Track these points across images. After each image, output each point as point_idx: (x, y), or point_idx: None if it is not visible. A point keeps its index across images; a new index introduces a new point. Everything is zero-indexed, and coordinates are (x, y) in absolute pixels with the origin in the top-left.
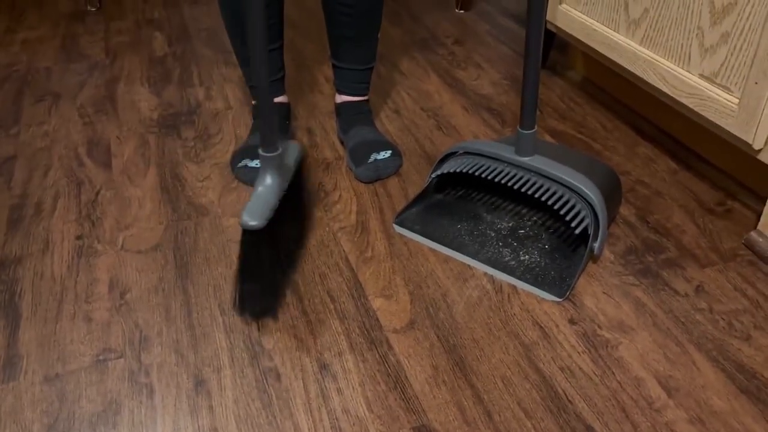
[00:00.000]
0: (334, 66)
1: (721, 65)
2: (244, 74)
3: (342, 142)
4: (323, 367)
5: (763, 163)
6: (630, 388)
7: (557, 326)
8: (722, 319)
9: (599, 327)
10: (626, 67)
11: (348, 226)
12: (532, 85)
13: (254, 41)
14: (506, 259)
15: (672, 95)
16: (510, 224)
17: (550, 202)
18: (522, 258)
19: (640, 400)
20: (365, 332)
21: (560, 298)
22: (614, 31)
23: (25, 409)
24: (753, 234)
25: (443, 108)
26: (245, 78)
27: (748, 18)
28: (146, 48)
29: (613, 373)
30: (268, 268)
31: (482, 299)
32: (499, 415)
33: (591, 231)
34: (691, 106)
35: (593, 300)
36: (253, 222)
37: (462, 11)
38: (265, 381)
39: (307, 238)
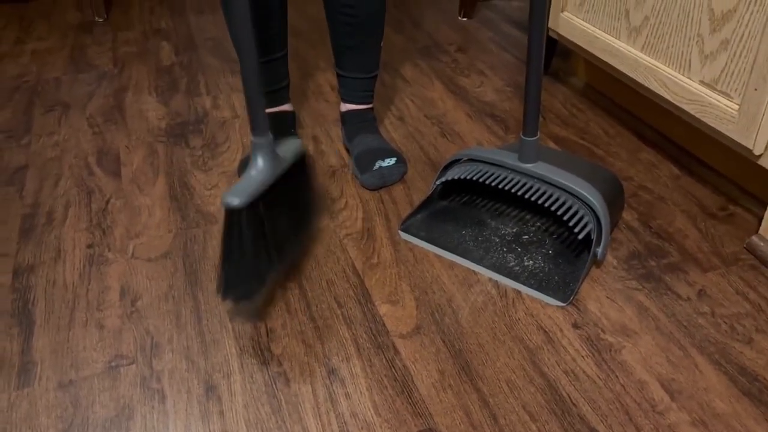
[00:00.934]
0: (338, 75)
1: (721, 72)
2: None
3: (347, 150)
4: (331, 372)
5: (763, 168)
6: (633, 391)
7: (561, 330)
8: (724, 322)
9: (603, 331)
10: (628, 73)
11: (354, 232)
12: (534, 93)
13: (236, 19)
14: (510, 264)
15: (673, 101)
16: (514, 230)
17: (553, 208)
18: (526, 263)
19: (643, 403)
20: (372, 337)
21: (564, 302)
22: (615, 38)
23: (40, 415)
24: (754, 238)
25: (447, 115)
26: None
27: (747, 25)
28: (153, 58)
29: (617, 377)
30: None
31: (487, 304)
32: (505, 419)
33: (594, 236)
34: (692, 112)
35: (597, 304)
36: (234, 201)
37: (465, 19)
38: (274, 386)
39: (313, 245)
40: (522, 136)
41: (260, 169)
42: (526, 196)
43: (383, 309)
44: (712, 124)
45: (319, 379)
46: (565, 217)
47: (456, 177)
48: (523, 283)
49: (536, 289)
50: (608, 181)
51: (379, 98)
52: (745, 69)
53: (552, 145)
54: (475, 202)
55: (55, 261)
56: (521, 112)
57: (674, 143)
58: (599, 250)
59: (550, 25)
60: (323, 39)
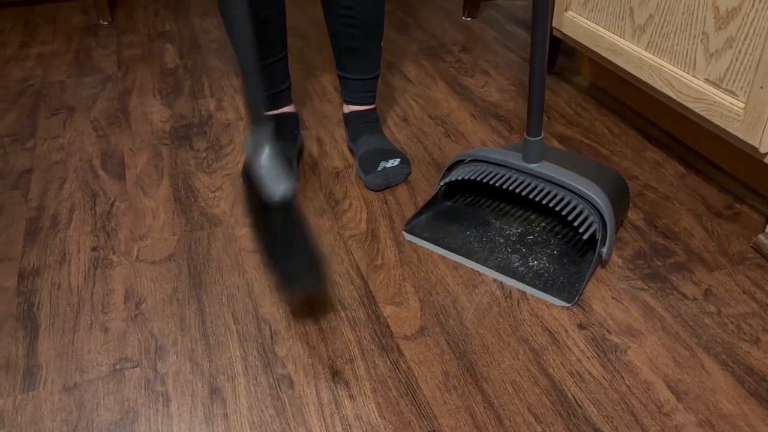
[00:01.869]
0: (340, 77)
1: (727, 70)
2: None
3: (351, 151)
4: (335, 374)
5: None
6: (639, 392)
7: (566, 331)
8: (731, 322)
9: (608, 331)
10: (632, 72)
11: (358, 234)
12: (538, 92)
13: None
14: (515, 265)
15: (678, 100)
16: (519, 230)
17: (557, 208)
18: (531, 264)
19: (649, 403)
20: (376, 339)
21: (569, 303)
22: (620, 37)
23: (44, 418)
24: (761, 237)
25: (451, 115)
26: None
27: (752, 23)
28: (158, 60)
29: (623, 378)
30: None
31: (492, 305)
32: (510, 420)
33: (599, 236)
34: (697, 110)
35: (602, 305)
36: (288, 187)
37: (469, 18)
38: (278, 388)
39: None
40: (526, 136)
41: (276, 151)
42: (531, 197)
43: (387, 310)
44: (717, 123)
45: (324, 381)
46: (570, 218)
47: (460, 178)
48: (528, 284)
49: (541, 290)
50: (613, 180)
51: (383, 99)
52: (750, 67)
53: (557, 144)
54: (479, 202)
55: (59, 264)
56: (525, 112)
57: (679, 142)
58: (604, 250)
59: (554, 24)
60: (327, 41)
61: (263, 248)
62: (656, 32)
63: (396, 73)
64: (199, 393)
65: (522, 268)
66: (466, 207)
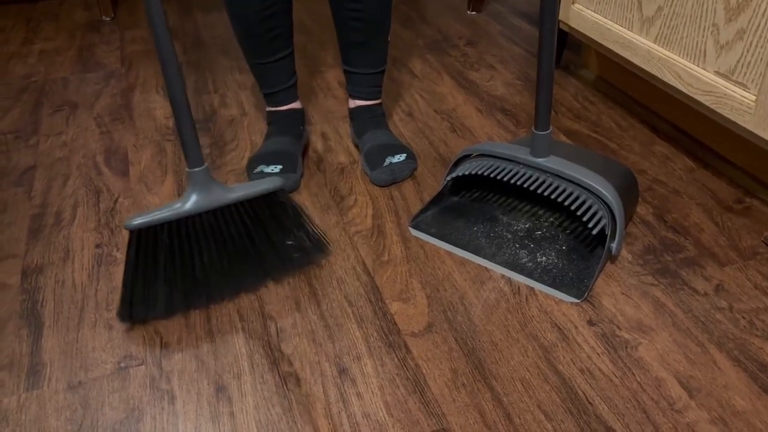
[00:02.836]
0: (345, 71)
1: (737, 62)
2: (256, 80)
3: (357, 147)
4: (342, 371)
5: None
6: (650, 388)
7: (576, 327)
8: (743, 317)
9: (618, 328)
10: (641, 65)
11: (364, 230)
12: (546, 86)
13: (161, 50)
14: (523, 260)
15: (688, 93)
16: (527, 226)
17: (566, 203)
18: (539, 259)
19: (660, 400)
20: (383, 336)
21: (579, 299)
22: (628, 29)
23: (49, 417)
24: None
25: (457, 110)
26: (258, 85)
27: (763, 14)
28: None
29: (633, 374)
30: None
31: (500, 301)
32: (519, 418)
33: (608, 231)
34: (707, 103)
35: (612, 300)
36: (131, 222)
37: (474, 12)
38: (284, 386)
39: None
40: (534, 130)
41: (190, 200)
42: (539, 191)
43: (394, 307)
44: (727, 116)
45: (330, 378)
46: (579, 212)
47: (467, 173)
48: (537, 280)
49: (550, 286)
50: (622, 174)
51: (388, 94)
52: (761, 59)
53: (564, 138)
54: (486, 197)
55: (63, 261)
56: (532, 106)
57: (689, 135)
58: (614, 245)
59: (561, 17)
60: (331, 36)
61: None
62: (665, 24)
63: (401, 68)
64: (204, 391)
65: (530, 264)
66: (473, 202)
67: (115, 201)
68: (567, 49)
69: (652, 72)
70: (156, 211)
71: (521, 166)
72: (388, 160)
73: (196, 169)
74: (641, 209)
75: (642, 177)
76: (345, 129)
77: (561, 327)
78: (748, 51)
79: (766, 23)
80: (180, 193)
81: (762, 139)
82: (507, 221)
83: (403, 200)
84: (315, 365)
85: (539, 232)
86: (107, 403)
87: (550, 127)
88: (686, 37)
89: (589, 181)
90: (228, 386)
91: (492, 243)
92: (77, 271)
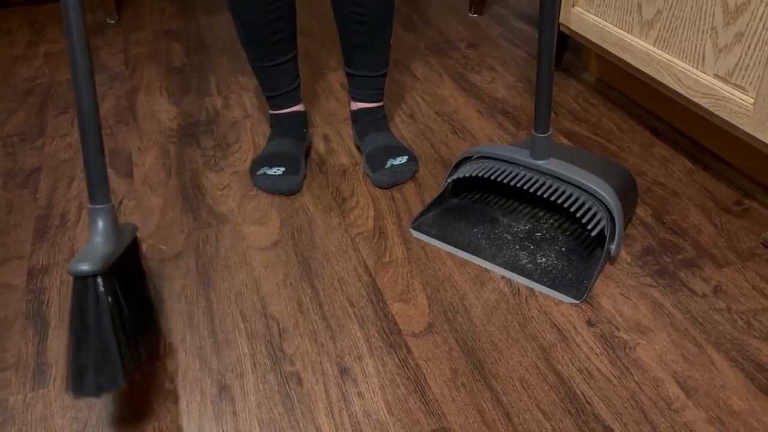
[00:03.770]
0: (348, 74)
1: (736, 65)
2: (259, 83)
3: (358, 149)
4: (344, 371)
5: None
6: (648, 388)
7: (575, 328)
8: (741, 318)
9: (617, 328)
10: (640, 68)
11: (365, 231)
12: (545, 88)
13: (77, 80)
14: (523, 262)
15: (687, 96)
16: (526, 227)
17: (566, 205)
18: (539, 261)
19: (658, 400)
20: (384, 336)
21: (578, 300)
22: (627, 32)
23: (55, 416)
24: None
25: (458, 112)
26: (261, 88)
27: (761, 17)
28: (165, 59)
29: (632, 374)
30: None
31: (500, 302)
32: (519, 417)
33: (607, 233)
34: (706, 106)
35: (610, 301)
36: (83, 266)
37: (475, 15)
38: (287, 386)
39: (325, 244)
40: (534, 133)
41: (106, 234)
42: (539, 193)
43: (395, 308)
44: (726, 118)
45: (332, 378)
46: (578, 214)
47: (468, 174)
48: (537, 281)
49: (550, 287)
50: (621, 176)
51: (390, 96)
52: (759, 62)
53: (564, 140)
54: (487, 199)
55: (68, 262)
56: (533, 108)
57: (688, 137)
58: (613, 246)
59: (561, 20)
60: (334, 38)
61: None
62: (664, 27)
63: (403, 70)
64: (207, 391)
65: (530, 265)
66: (473, 204)
67: (120, 202)
68: (567, 52)
69: (652, 75)
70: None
71: (521, 168)
72: (389, 162)
73: (101, 206)
74: (640, 211)
75: (641, 179)
76: (347, 131)
77: (560, 327)
78: (746, 54)
79: (764, 26)
80: (183, 194)
81: (760, 141)
82: (507, 223)
83: (404, 202)
84: (317, 365)
85: (539, 234)
86: (112, 403)
87: (550, 130)
88: (685, 40)
89: (588, 183)
90: (231, 386)
91: (492, 244)
92: None
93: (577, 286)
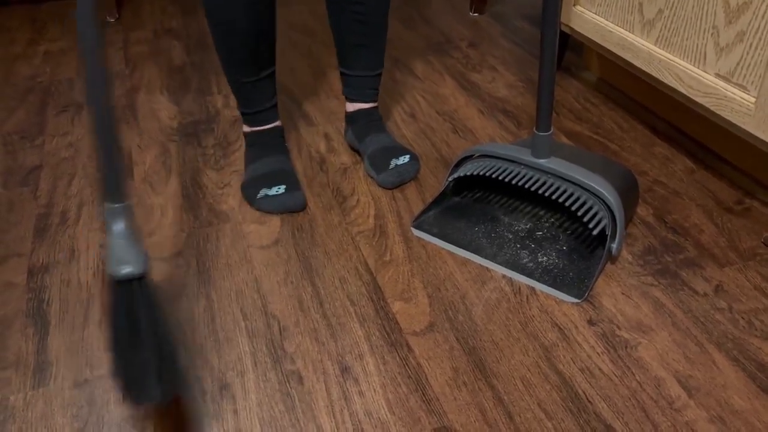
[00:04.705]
0: (344, 75)
1: (737, 64)
2: (239, 100)
3: (354, 150)
4: (345, 370)
5: None
6: (650, 388)
7: (576, 327)
8: (742, 318)
9: (618, 327)
10: (642, 67)
11: (366, 230)
12: (547, 87)
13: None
14: (524, 260)
15: (688, 95)
16: (527, 226)
17: (567, 204)
18: (540, 260)
19: (660, 400)
20: (385, 335)
21: (579, 299)
22: (629, 31)
23: (55, 414)
24: None
25: (459, 111)
26: (242, 105)
27: (763, 16)
28: (165, 57)
29: (633, 374)
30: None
31: (501, 301)
32: (520, 416)
33: (609, 232)
34: (707, 105)
35: (612, 300)
36: (129, 269)
37: (476, 14)
38: (287, 384)
39: (326, 242)
40: (535, 131)
41: (130, 233)
42: (540, 192)
43: (396, 306)
44: (728, 118)
45: (333, 377)
46: (579, 213)
47: (468, 173)
48: (538, 280)
49: (550, 286)
50: (622, 176)
51: (391, 95)
52: (761, 61)
53: (565, 140)
54: (488, 198)
55: (69, 261)
56: (534, 108)
57: (689, 137)
58: (614, 245)
59: (563, 19)
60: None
61: (110, 340)
62: (666, 27)
63: (403, 69)
64: (208, 389)
65: (531, 264)
66: (474, 203)
67: None
68: (569, 51)
69: (653, 74)
70: None
71: (522, 167)
72: (393, 163)
73: (120, 205)
74: (642, 210)
75: (643, 178)
76: None
77: (561, 327)
78: (747, 53)
79: (765, 25)
80: (184, 192)
81: (762, 140)
82: (508, 221)
83: (405, 201)
84: (317, 363)
85: (540, 233)
86: (113, 401)
87: (552, 129)
88: (687, 39)
89: (589, 182)
90: (231, 384)
91: (493, 243)
92: (83, 270)
93: (578, 285)
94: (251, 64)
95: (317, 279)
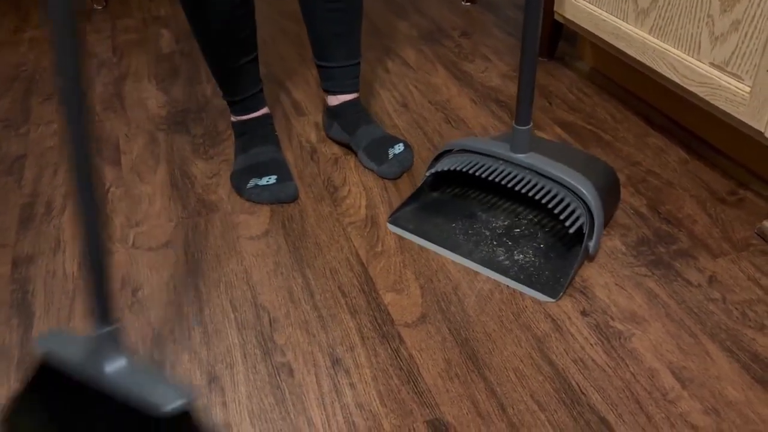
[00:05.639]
0: (323, 68)
1: (732, 53)
2: (223, 90)
3: (343, 144)
4: (336, 362)
5: None
6: (643, 379)
7: (569, 318)
8: (736, 309)
9: (612, 318)
10: (635, 57)
11: (358, 221)
12: (527, 80)
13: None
14: (500, 258)
15: (682, 84)
16: (505, 223)
17: (544, 201)
18: (516, 257)
19: (654, 391)
20: (377, 327)
21: (554, 298)
22: (623, 20)
23: None
24: (766, 223)
25: (451, 101)
26: (227, 93)
27: (759, 4)
28: (153, 45)
29: (627, 365)
30: None
31: (493, 292)
32: (513, 408)
33: (586, 230)
34: (701, 95)
35: (605, 291)
36: (177, 393)
37: (468, 3)
38: (278, 376)
39: (317, 233)
40: (514, 125)
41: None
42: (517, 188)
43: (388, 298)
44: (722, 107)
45: (324, 369)
46: (557, 210)
47: (446, 168)
48: (513, 278)
49: (525, 285)
50: (603, 173)
51: (383, 84)
52: (756, 50)
53: (558, 130)
54: (466, 193)
55: (54, 251)
56: None
57: (683, 127)
58: (591, 244)
59: (556, 8)
60: None
61: None
62: (660, 15)
63: (395, 59)
64: (197, 381)
65: (507, 262)
66: (452, 198)
67: (107, 190)
68: (562, 41)
69: (647, 63)
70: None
71: (501, 162)
72: (391, 152)
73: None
74: (635, 201)
75: (636, 168)
76: None
77: (554, 318)
78: (742, 42)
79: (761, 14)
80: (172, 182)
81: (756, 130)
82: (486, 218)
83: (396, 191)
84: (308, 355)
85: (518, 230)
86: None
87: (531, 123)
88: (681, 28)
89: (568, 179)
90: (221, 376)
91: (469, 240)
92: (68, 261)
93: (553, 284)
94: (231, 50)
95: (308, 270)
